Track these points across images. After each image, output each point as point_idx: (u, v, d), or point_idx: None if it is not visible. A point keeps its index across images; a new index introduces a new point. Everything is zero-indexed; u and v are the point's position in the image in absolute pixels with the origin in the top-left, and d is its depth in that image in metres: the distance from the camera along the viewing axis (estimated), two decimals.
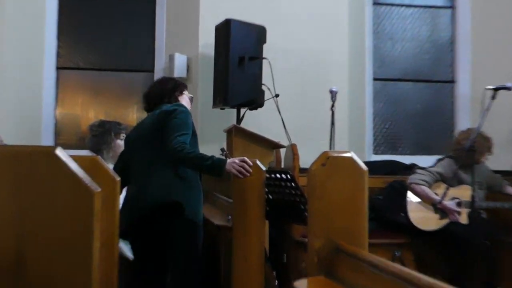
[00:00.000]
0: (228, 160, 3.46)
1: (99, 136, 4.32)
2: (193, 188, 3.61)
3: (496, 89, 4.84)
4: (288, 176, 3.55)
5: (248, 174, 3.44)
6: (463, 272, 5.17)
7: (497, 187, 5.62)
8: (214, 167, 3.43)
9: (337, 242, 2.27)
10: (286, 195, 3.60)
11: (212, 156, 3.50)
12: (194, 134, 3.63)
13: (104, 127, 4.36)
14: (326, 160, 2.28)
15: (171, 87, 3.85)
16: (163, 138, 3.49)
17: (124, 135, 4.35)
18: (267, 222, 3.84)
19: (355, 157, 2.31)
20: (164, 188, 3.53)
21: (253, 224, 3.49)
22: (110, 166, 4.14)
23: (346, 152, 2.32)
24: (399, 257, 5.49)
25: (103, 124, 4.39)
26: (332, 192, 2.29)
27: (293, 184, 3.55)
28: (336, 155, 2.30)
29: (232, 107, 5.89)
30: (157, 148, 3.56)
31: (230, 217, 3.98)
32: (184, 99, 3.88)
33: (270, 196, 3.68)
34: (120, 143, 4.30)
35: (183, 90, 3.92)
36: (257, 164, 3.49)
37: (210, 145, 6.27)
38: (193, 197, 3.58)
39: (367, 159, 6.82)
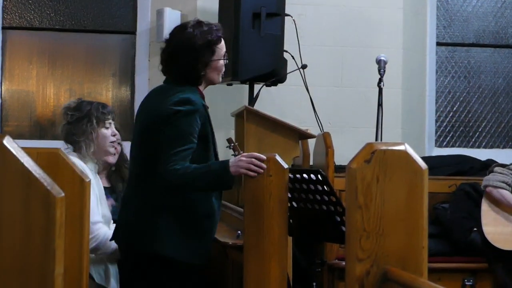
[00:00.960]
0: (231, 161, 3.50)
1: (74, 123, 4.24)
2: (201, 220, 3.61)
3: None
4: (319, 176, 3.56)
5: (262, 171, 3.45)
6: None
7: None
8: (219, 179, 3.47)
9: (385, 267, 2.27)
10: (316, 203, 3.61)
11: (209, 166, 3.51)
12: (204, 139, 3.59)
13: (82, 111, 4.27)
14: (371, 156, 2.29)
15: (192, 61, 3.63)
16: (155, 154, 3.49)
17: (111, 122, 4.29)
18: (290, 239, 3.85)
19: (410, 151, 2.31)
20: (141, 229, 3.57)
21: (272, 243, 3.50)
22: (90, 166, 4.14)
23: (398, 144, 2.32)
24: (472, 287, 5.49)
25: (81, 106, 4.28)
26: (379, 199, 2.29)
27: (325, 187, 3.55)
28: (384, 148, 2.30)
29: (243, 82, 5.90)
30: (146, 161, 3.58)
31: (240, 232, 4.00)
32: (214, 70, 3.69)
33: (295, 204, 3.70)
34: (106, 133, 4.24)
35: (212, 56, 3.68)
36: (276, 160, 3.50)
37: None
38: (196, 236, 3.59)
39: (427, 154, 6.82)
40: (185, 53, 3.65)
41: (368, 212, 2.28)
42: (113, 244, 3.93)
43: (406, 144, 2.34)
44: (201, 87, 3.72)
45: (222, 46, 3.74)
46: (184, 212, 3.58)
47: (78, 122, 4.21)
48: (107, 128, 4.22)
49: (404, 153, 2.32)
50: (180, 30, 3.73)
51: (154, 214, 3.55)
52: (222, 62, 3.73)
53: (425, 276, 2.31)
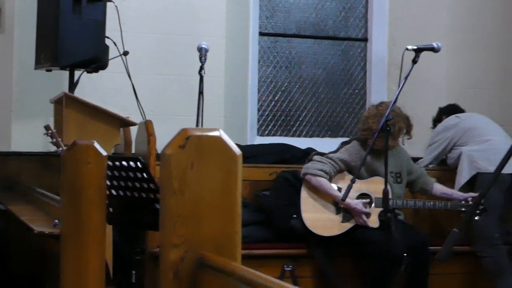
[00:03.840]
0: None
1: None
2: None
3: (419, 50, 5.04)
4: (139, 164, 3.54)
5: None
6: None
7: (420, 183, 5.84)
8: None
9: (200, 252, 2.28)
10: (136, 191, 3.60)
11: None
12: None
13: None
14: (186, 141, 2.30)
15: None
16: None
17: None
18: (110, 228, 3.82)
19: (225, 137, 2.33)
20: None
21: (90, 231, 3.45)
22: None
23: (213, 130, 2.33)
24: (291, 272, 5.63)
25: None
26: (194, 185, 2.29)
27: (145, 175, 3.55)
28: (199, 134, 2.30)
29: (63, 68, 5.79)
30: None
31: (57, 221, 3.94)
32: None
33: (114, 192, 3.67)
34: None
35: None
36: (95, 148, 3.45)
37: (31, 121, 6.14)
38: None
39: (249, 142, 6.91)
40: None
41: (183, 198, 2.29)
42: None
43: (221, 130, 2.35)
44: None
45: None
46: None
47: None
48: None
49: (219, 139, 2.33)
50: None
51: None
52: None
53: (239, 261, 2.34)
